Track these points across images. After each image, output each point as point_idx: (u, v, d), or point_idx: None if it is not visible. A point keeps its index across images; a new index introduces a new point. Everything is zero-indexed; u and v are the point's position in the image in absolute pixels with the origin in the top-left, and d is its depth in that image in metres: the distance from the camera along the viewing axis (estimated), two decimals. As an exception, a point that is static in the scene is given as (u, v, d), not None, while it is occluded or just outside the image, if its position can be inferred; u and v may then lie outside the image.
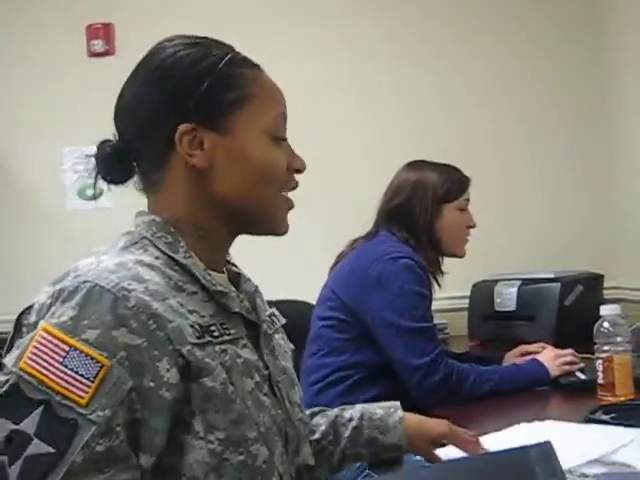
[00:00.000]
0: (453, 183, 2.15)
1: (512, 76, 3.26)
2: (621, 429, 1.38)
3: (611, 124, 3.15)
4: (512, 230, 3.21)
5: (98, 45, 3.29)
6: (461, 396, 1.88)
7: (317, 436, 1.32)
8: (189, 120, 1.05)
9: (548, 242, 3.16)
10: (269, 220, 1.12)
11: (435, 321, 2.68)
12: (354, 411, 1.35)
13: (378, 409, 1.35)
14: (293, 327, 2.11)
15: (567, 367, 1.96)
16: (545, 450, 1.04)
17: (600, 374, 1.63)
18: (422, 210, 2.12)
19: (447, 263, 2.24)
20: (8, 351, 0.96)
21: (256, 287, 1.20)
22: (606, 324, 1.64)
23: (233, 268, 1.19)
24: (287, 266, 3.06)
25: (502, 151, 3.24)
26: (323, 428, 1.32)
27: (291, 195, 1.15)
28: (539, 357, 2.01)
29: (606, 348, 1.63)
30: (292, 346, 1.28)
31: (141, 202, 1.13)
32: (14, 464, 0.84)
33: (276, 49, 3.11)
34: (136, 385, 0.90)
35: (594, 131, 3.23)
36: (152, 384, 0.92)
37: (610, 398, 1.60)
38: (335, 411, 1.36)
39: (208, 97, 1.06)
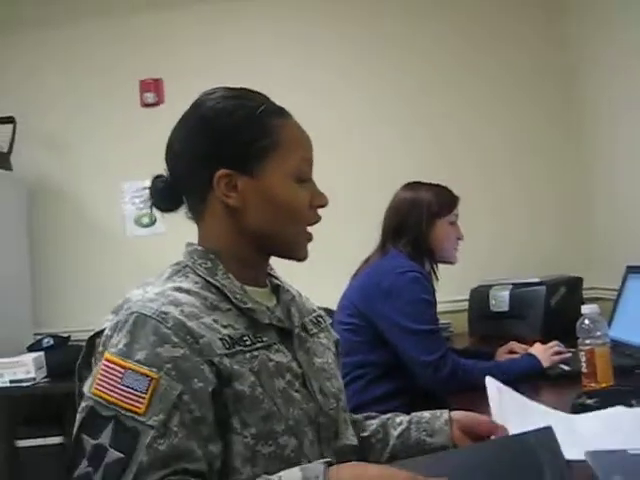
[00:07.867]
0: (445, 201, 2.14)
1: (497, 105, 3.26)
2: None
3: (583, 151, 3.13)
4: (503, 243, 3.20)
5: (150, 97, 3.34)
6: (466, 387, 1.83)
7: (367, 434, 1.26)
8: (226, 164, 1.05)
9: (534, 252, 3.15)
10: (291, 249, 1.11)
11: (441, 321, 2.65)
12: (404, 417, 1.29)
13: (426, 413, 1.27)
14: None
15: (556, 357, 1.92)
16: (546, 435, 0.96)
17: (583, 364, 1.60)
18: (418, 225, 2.11)
19: (449, 271, 2.23)
20: (80, 368, 1.01)
21: (293, 296, 1.18)
22: (587, 321, 1.61)
23: (274, 280, 1.18)
24: (314, 279, 3.05)
25: (491, 176, 3.24)
26: (373, 427, 1.27)
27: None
28: (532, 351, 1.97)
29: (588, 342, 1.59)
30: (337, 336, 1.27)
31: (190, 227, 1.13)
32: (97, 472, 0.86)
33: (303, 98, 3.13)
34: (186, 388, 0.91)
35: (570, 157, 3.20)
36: (201, 384, 0.93)
37: (593, 385, 1.57)
38: (387, 415, 1.31)
39: (242, 145, 1.05)
